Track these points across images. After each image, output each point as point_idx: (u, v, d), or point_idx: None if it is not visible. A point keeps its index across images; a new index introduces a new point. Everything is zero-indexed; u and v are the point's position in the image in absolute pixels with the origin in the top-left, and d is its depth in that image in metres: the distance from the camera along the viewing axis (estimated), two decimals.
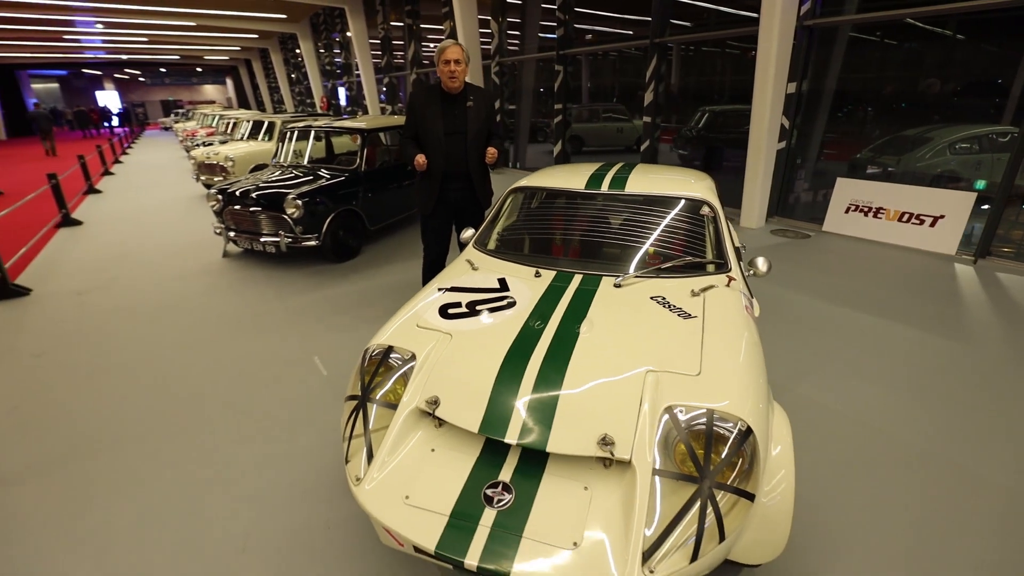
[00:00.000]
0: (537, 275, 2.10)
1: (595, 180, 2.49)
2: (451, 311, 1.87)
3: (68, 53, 24.12)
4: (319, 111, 20.71)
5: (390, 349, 1.70)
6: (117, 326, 3.70)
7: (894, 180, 5.52)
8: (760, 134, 5.65)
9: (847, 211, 5.67)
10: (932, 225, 5.12)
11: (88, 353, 3.32)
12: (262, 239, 4.73)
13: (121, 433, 2.50)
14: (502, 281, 2.08)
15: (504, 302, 1.90)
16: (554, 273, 2.09)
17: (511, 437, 1.37)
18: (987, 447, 2.25)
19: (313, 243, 4.69)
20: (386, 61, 14.86)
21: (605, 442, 1.31)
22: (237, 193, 4.80)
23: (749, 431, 1.30)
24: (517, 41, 10.56)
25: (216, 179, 7.67)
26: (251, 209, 4.72)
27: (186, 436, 2.46)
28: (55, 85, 31.23)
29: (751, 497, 1.24)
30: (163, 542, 1.86)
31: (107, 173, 11.61)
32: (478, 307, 1.88)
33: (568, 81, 9.05)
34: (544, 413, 1.40)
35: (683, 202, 2.34)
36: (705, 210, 2.29)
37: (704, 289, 1.91)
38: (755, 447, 1.29)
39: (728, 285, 1.98)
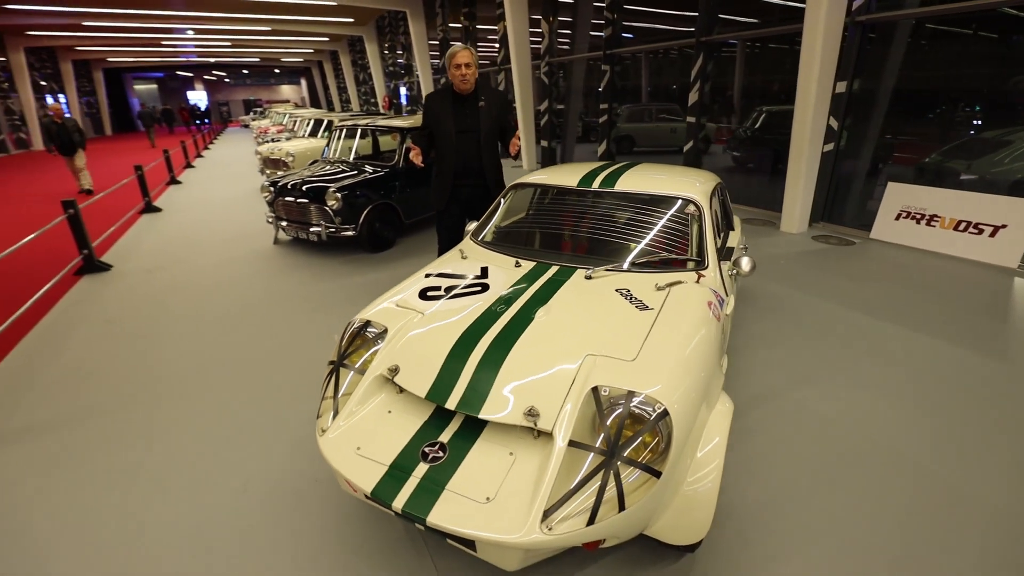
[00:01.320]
0: (517, 265, 2.24)
1: (588, 178, 2.59)
2: (429, 293, 2.06)
3: (165, 57, 26.65)
4: (381, 110, 21.71)
5: (367, 323, 1.91)
6: (175, 300, 4.19)
7: (957, 186, 5.15)
8: (803, 135, 5.45)
9: (897, 218, 5.36)
10: (992, 235, 4.75)
11: (148, 321, 3.80)
12: (306, 228, 5.15)
13: (164, 389, 2.88)
14: (484, 269, 2.24)
15: (478, 287, 2.06)
16: (533, 264, 2.23)
17: (451, 403, 1.53)
18: (990, 469, 2.16)
19: (350, 233, 5.04)
20: (444, 62, 15.35)
21: (531, 413, 1.45)
22: (287, 186, 5.25)
23: (665, 414, 1.39)
24: (568, 41, 10.63)
25: (279, 173, 8.32)
26: (297, 200, 5.14)
27: (215, 395, 2.80)
28: (154, 86, 34.53)
29: (657, 475, 1.33)
30: (183, 479, 2.17)
31: (189, 166, 12.80)
32: (454, 291, 2.06)
33: (615, 81, 9.03)
34: (484, 384, 1.55)
35: (669, 200, 2.39)
36: (690, 209, 2.34)
37: (670, 284, 1.98)
38: (671, 431, 1.38)
39: (698, 282, 2.03)
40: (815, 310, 3.70)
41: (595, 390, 1.45)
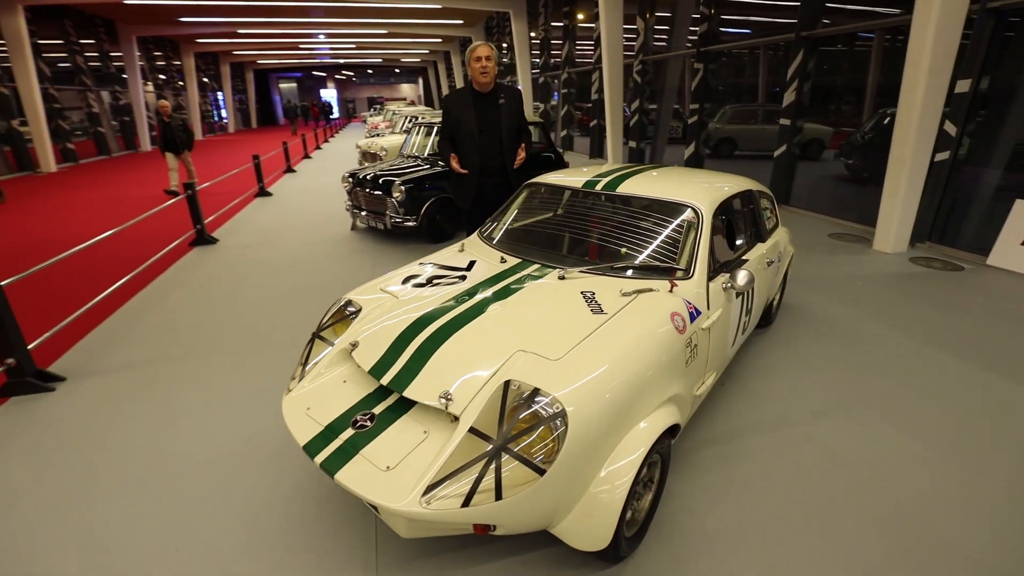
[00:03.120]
0: (503, 261, 2.31)
1: (595, 180, 2.57)
2: (412, 281, 2.21)
3: (303, 59, 29.91)
4: None
5: (349, 302, 2.11)
6: (258, 272, 4.81)
7: None
8: (906, 141, 4.79)
9: None
10: None
11: (231, 288, 4.42)
12: (375, 217, 5.60)
13: (225, 345, 3.35)
14: (472, 263, 2.34)
15: (456, 279, 2.17)
16: (518, 261, 2.28)
17: (385, 380, 1.66)
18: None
19: (412, 224, 5.39)
20: (543, 61, 15.53)
21: (445, 397, 1.53)
22: (363, 177, 5.74)
23: (563, 416, 1.40)
24: (665, 39, 10.24)
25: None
26: (369, 191, 5.60)
27: (264, 354, 3.20)
28: (294, 85, 38.93)
29: (541, 472, 1.35)
30: (213, 421, 2.55)
31: (307, 157, 14.33)
32: (434, 280, 2.18)
33: (708, 79, 8.55)
34: (416, 366, 1.66)
35: (668, 206, 2.30)
36: (688, 215, 2.24)
37: (638, 291, 1.93)
38: (565, 433, 1.38)
39: (671, 291, 1.96)
40: (875, 338, 3.29)
41: (507, 383, 1.50)
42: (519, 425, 1.41)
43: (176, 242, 5.45)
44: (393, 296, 2.10)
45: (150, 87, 19.22)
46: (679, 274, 2.06)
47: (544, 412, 1.42)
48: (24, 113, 11.89)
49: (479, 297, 1.95)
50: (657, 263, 2.12)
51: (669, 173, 2.72)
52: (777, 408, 2.58)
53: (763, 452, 2.26)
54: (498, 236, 2.58)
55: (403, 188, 5.24)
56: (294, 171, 11.60)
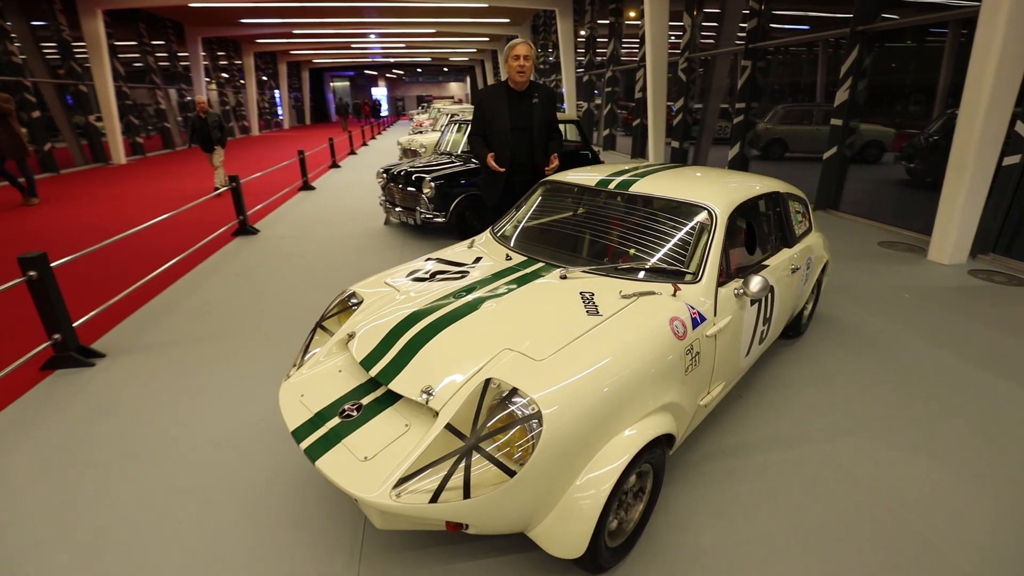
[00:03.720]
0: (508, 258, 2.29)
1: (609, 179, 2.50)
2: (416, 275, 2.22)
3: (355, 58, 30.83)
4: None
5: (353, 293, 2.14)
6: (290, 262, 4.99)
7: None
8: (968, 143, 4.41)
9: None
10: None
11: (264, 276, 4.60)
12: (406, 212, 5.69)
13: (251, 330, 3.49)
14: (478, 259, 2.33)
15: (459, 275, 2.16)
16: (523, 259, 2.25)
17: (374, 372, 1.67)
18: None
19: (441, 220, 5.44)
20: (588, 59, 15.35)
21: (427, 392, 1.52)
22: (397, 173, 5.85)
23: (538, 418, 1.36)
24: (714, 36, 9.89)
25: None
26: (401, 186, 5.70)
27: (285, 340, 3.32)
28: (347, 83, 40.21)
29: (511, 474, 1.32)
30: (226, 399, 2.66)
31: (352, 153, 14.77)
32: (437, 276, 2.19)
33: (756, 78, 8.20)
34: (403, 360, 1.66)
35: (681, 207, 2.21)
36: (701, 217, 2.14)
37: (639, 293, 1.86)
38: (539, 435, 1.35)
39: (674, 295, 1.87)
40: (918, 357, 3.05)
41: (487, 381, 1.47)
42: (495, 424, 1.38)
43: (219, 231, 5.73)
44: (395, 289, 2.11)
45: (214, 85, 20.35)
46: (687, 278, 1.97)
47: (520, 413, 1.38)
48: (100, 109, 12.84)
49: (476, 294, 1.94)
50: (664, 265, 2.03)
51: (689, 173, 2.62)
52: (795, 425, 2.43)
53: (773, 470, 2.14)
54: (508, 233, 2.56)
55: (433, 184, 5.29)
56: (339, 166, 11.98)
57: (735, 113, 8.61)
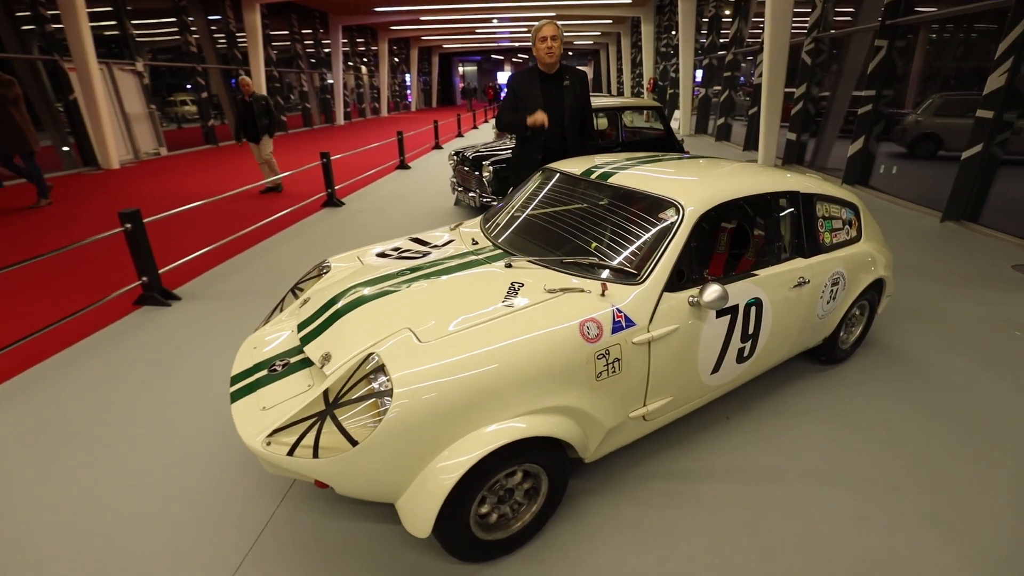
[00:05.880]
0: (474, 243, 2.30)
1: (593, 169, 2.38)
2: (386, 253, 2.33)
3: (482, 43, 31.77)
4: (645, 93, 21.45)
5: (325, 262, 2.32)
6: (358, 235, 5.43)
7: None
8: None
9: None
10: None
11: (332, 244, 5.08)
12: (469, 194, 5.87)
13: None
14: (449, 242, 2.38)
15: (419, 255, 2.23)
16: (485, 245, 2.25)
17: (301, 334, 1.83)
18: None
19: (497, 203, 5.52)
20: (710, 41, 14.22)
21: (325, 358, 1.63)
22: (465, 156, 6.04)
23: (390, 394, 1.40)
24: (852, 12, 8.59)
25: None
26: (466, 169, 5.88)
27: None
28: (474, 68, 41.66)
29: (353, 443, 1.38)
30: None
31: (459, 135, 15.38)
32: (401, 254, 2.28)
33: (892, 60, 7.00)
34: (324, 327, 1.78)
35: (650, 202, 2.03)
36: (668, 215, 1.95)
37: (564, 289, 1.77)
38: (387, 411, 1.38)
39: (603, 295, 1.75)
40: (996, 413, 2.47)
41: (369, 356, 1.54)
42: (352, 394, 1.45)
43: (305, 201, 6.41)
44: (360, 263, 2.25)
45: (363, 70, 22.41)
46: (627, 278, 1.83)
47: (377, 388, 1.43)
48: None
49: (417, 274, 1.99)
50: (610, 263, 1.90)
51: (687, 165, 2.38)
52: (775, 460, 2.14)
53: (722, 504, 1.92)
54: (490, 218, 2.56)
55: (492, 168, 5.38)
56: (441, 148, 12.58)
57: (861, 102, 7.43)
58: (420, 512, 1.44)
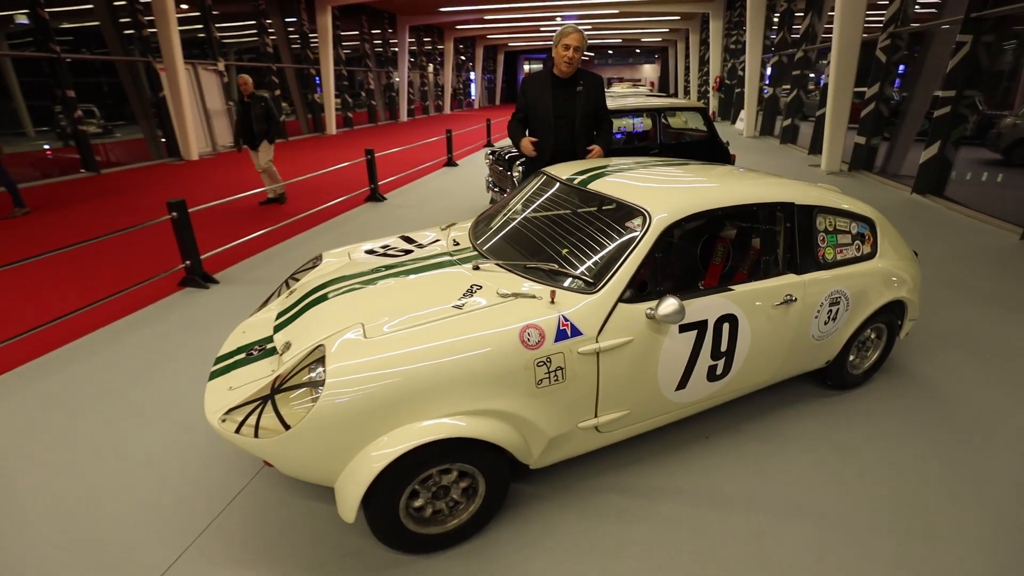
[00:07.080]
0: (456, 244, 2.35)
1: (576, 175, 2.36)
2: (375, 250, 2.44)
3: (547, 41, 31.75)
4: (711, 92, 20.58)
5: (319, 256, 2.46)
6: (393, 229, 5.66)
7: None
8: None
9: None
10: None
11: (365, 238, 5.31)
12: (503, 193, 5.93)
13: None
14: (435, 242, 2.44)
15: (399, 252, 2.32)
16: (464, 247, 2.30)
17: (276, 323, 1.96)
18: None
19: None
20: (780, 37, 13.41)
21: (287, 346, 1.75)
22: (502, 154, 6.10)
23: (322, 384, 1.48)
24: (937, 5, 7.82)
25: None
26: (500, 168, 5.94)
27: None
28: (539, 66, 41.71)
29: (287, 428, 1.47)
30: None
31: None
32: (388, 252, 2.37)
33: (977, 57, 6.31)
34: (293, 318, 1.91)
35: (621, 210, 1.99)
36: (634, 223, 1.91)
37: (516, 294, 1.78)
38: (318, 402, 1.46)
39: (552, 302, 1.74)
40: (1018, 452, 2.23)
41: (318, 346, 1.63)
42: (292, 382, 1.55)
43: (348, 195, 6.73)
44: (348, 258, 2.36)
45: (429, 68, 23.12)
46: (581, 286, 1.80)
47: (313, 378, 1.52)
48: (322, 89, 15.74)
49: (388, 272, 2.07)
50: (566, 270, 1.89)
51: (680, 172, 2.30)
52: (744, 486, 2.03)
53: (678, 526, 1.85)
54: (480, 219, 2.60)
55: (521, 168, 5.41)
56: (492, 146, 12.72)
57: (941, 103, 6.76)
58: (347, 497, 1.51)
